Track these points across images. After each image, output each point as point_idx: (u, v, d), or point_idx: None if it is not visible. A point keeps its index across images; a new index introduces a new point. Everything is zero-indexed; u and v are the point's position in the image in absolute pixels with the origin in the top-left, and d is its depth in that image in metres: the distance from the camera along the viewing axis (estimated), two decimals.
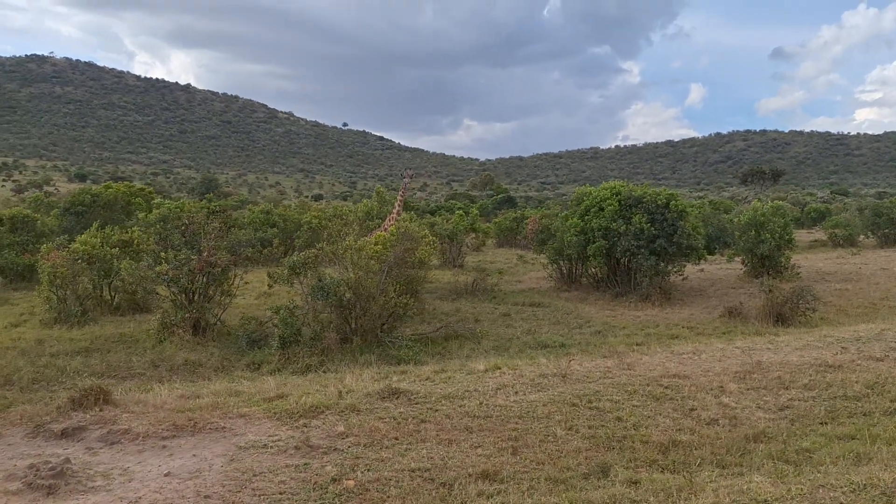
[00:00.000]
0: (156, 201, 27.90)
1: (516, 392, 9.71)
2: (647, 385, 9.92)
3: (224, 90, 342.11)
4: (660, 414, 8.75)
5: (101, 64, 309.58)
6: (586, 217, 21.25)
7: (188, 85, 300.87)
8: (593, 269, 22.42)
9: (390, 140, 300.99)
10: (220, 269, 13.83)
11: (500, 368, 11.23)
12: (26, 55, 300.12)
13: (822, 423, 8.38)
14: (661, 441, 7.79)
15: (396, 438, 7.96)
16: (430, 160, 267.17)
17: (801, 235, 46.10)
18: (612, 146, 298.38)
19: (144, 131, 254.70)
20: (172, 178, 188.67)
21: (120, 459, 7.75)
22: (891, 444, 7.44)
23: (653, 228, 20.02)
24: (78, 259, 15.43)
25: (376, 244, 16.29)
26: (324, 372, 11.89)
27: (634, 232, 19.98)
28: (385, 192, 30.90)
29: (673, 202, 20.34)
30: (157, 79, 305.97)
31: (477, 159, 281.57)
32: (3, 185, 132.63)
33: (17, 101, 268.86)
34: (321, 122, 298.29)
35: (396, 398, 9.28)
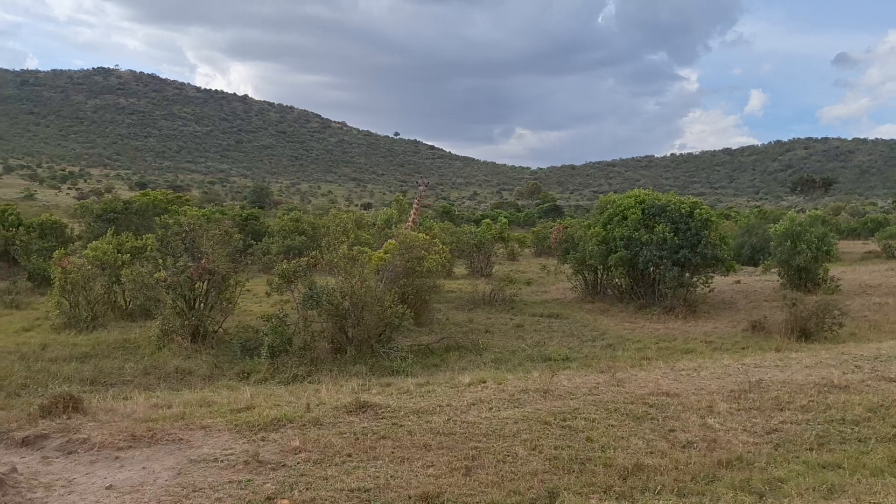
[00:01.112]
0: (183, 209, 28.27)
1: (491, 408, 9.31)
2: (631, 403, 9.42)
3: (280, 101, 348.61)
4: (635, 435, 8.25)
5: (163, 76, 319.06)
6: (609, 226, 20.64)
7: (245, 96, 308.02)
8: (617, 280, 21.76)
9: (441, 149, 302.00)
10: (219, 277, 13.74)
11: (485, 382, 10.85)
12: (93, 68, 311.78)
13: (808, 450, 7.77)
14: (626, 465, 7.30)
15: (349, 455, 7.65)
16: (480, 169, 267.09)
17: (857, 246, 44.27)
18: (668, 154, 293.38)
19: (203, 141, 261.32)
20: (228, 187, 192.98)
21: (70, 470, 7.62)
22: (875, 475, 6.83)
23: (676, 238, 19.31)
24: (88, 265, 15.58)
25: (385, 252, 16.07)
26: (309, 382, 11.69)
27: (657, 242, 19.30)
28: (404, 200, 30.71)
29: (697, 211, 19.56)
30: (215, 90, 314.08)
31: (528, 168, 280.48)
32: (67, 193, 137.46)
33: (84, 113, 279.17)
34: (373, 131, 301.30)
35: (364, 412, 8.98)
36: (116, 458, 7.94)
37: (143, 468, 7.62)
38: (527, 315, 20.35)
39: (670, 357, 14.45)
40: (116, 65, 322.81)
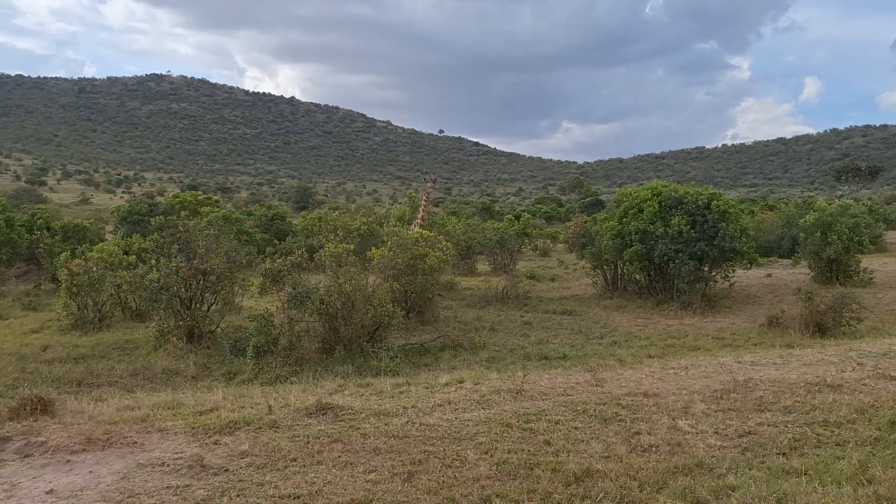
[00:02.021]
0: (204, 209, 28.60)
1: (457, 409, 9.04)
2: (604, 404, 9.03)
3: (327, 101, 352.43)
4: (597, 438, 7.88)
5: (213, 80, 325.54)
6: (624, 219, 20.06)
7: (292, 98, 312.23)
8: (637, 276, 21.16)
9: (486, 145, 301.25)
10: (214, 277, 13.74)
11: (462, 382, 10.59)
12: (146, 74, 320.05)
13: (779, 454, 7.30)
14: (574, 470, 6.95)
15: (294, 460, 7.46)
16: (525, 164, 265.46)
17: None
18: (720, 145, 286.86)
19: (252, 143, 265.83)
20: (276, 188, 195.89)
21: (19, 474, 7.60)
22: (836, 484, 6.34)
23: (693, 231, 18.64)
24: (94, 267, 15.78)
25: (390, 250, 15.90)
26: (291, 383, 11.57)
27: (672, 235, 18.67)
28: (417, 197, 30.44)
29: (715, 202, 18.85)
30: (263, 93, 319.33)
31: (574, 162, 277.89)
32: (121, 197, 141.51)
33: (138, 118, 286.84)
34: (418, 129, 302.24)
35: (324, 414, 8.80)
36: (68, 461, 7.89)
37: (90, 472, 7.55)
38: (539, 312, 19.95)
39: (676, 354, 13.95)
40: (168, 71, 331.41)
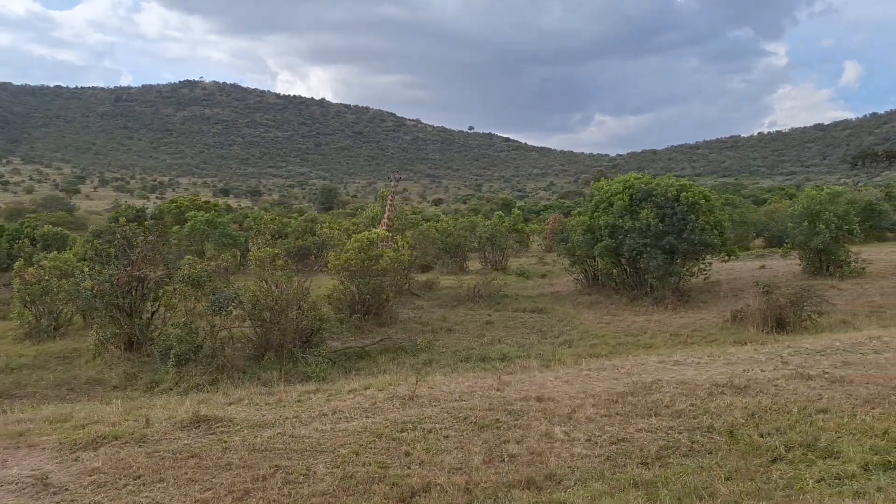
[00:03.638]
0: (189, 214, 28.63)
1: (339, 419, 8.74)
2: (490, 410, 8.66)
3: (358, 102, 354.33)
4: (461, 447, 7.51)
5: (244, 85, 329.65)
6: (595, 214, 19.50)
7: (322, 99, 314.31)
8: (614, 271, 20.59)
9: (517, 141, 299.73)
10: (151, 284, 13.61)
11: (368, 388, 10.27)
12: (180, 81, 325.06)
13: (641, 464, 6.88)
14: (416, 485, 6.61)
15: (139, 477, 7.22)
16: (557, 159, 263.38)
17: None
18: (755, 133, 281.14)
19: (283, 146, 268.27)
20: (308, 189, 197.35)
21: None
22: (680, 500, 5.90)
23: (660, 224, 18.02)
24: (47, 276, 15.79)
25: (347, 251, 15.66)
26: (207, 391, 11.39)
27: (640, 228, 18.07)
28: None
29: (684, 194, 18.18)
30: (294, 95, 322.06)
31: (607, 155, 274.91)
32: (154, 203, 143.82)
33: (172, 125, 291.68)
34: (448, 127, 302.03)
35: (197, 427, 8.56)
36: None
37: None
38: (509, 311, 19.53)
39: (623, 353, 13.47)
40: (201, 77, 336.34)
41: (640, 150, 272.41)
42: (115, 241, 14.25)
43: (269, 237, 14.09)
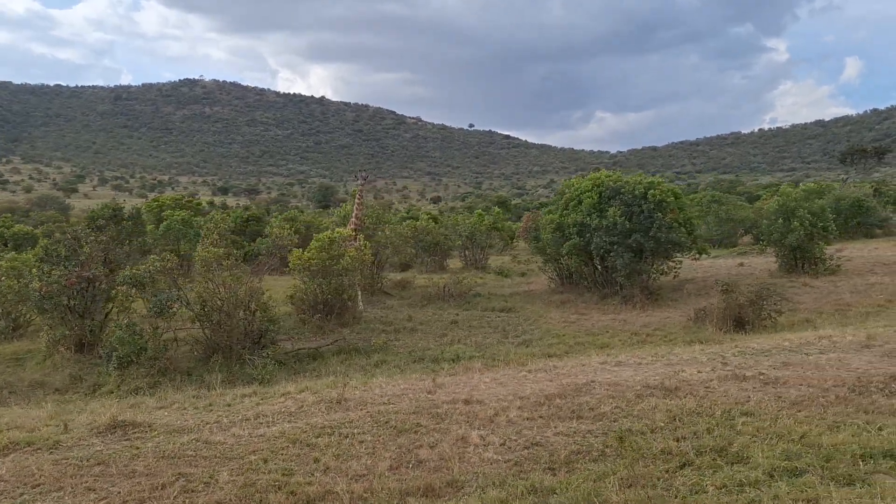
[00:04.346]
0: (166, 213, 28.40)
1: (260, 423, 8.61)
2: (414, 414, 8.52)
3: (358, 100, 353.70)
4: (372, 453, 7.36)
5: (244, 83, 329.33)
6: (565, 212, 19.32)
7: (322, 98, 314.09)
8: (584, 270, 20.41)
9: (517, 138, 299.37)
10: (102, 285, 13.46)
11: (302, 392, 10.17)
12: (179, 80, 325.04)
13: (548, 469, 6.73)
14: (314, 493, 6.46)
15: (38, 486, 7.07)
16: (557, 156, 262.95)
17: None
18: (756, 130, 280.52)
19: (283, 144, 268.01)
20: (307, 187, 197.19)
21: None
22: None
23: (627, 222, 17.83)
24: (2, 276, 15.65)
25: (309, 250, 15.52)
26: (145, 395, 11.25)
27: (607, 226, 17.89)
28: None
29: (651, 192, 17.98)
30: (294, 94, 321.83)
31: (607, 152, 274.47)
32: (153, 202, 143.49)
33: (172, 123, 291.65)
34: (448, 124, 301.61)
35: (114, 433, 8.43)
36: None
37: None
38: (478, 310, 19.37)
39: (582, 352, 13.33)
40: (201, 75, 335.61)
41: (640, 147, 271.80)
42: (65, 242, 14.09)
43: (218, 237, 13.92)
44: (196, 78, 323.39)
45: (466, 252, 29.32)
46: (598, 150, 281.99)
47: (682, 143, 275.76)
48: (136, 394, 11.40)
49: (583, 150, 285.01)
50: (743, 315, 14.21)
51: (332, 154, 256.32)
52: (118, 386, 11.67)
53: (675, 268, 19.59)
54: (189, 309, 12.59)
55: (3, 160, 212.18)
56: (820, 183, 42.73)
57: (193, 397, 10.33)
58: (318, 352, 13.98)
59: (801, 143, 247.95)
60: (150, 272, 12.92)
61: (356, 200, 20.99)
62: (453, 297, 20.45)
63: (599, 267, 19.45)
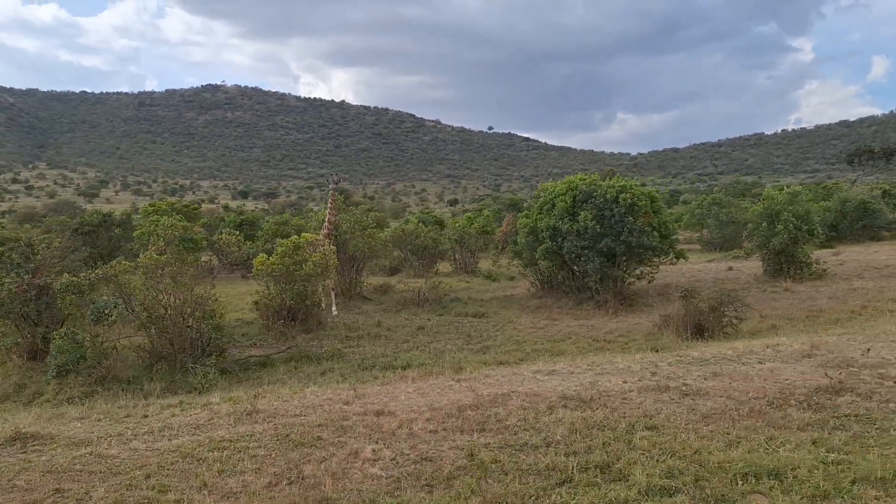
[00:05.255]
0: (149, 219, 28.48)
1: (162, 436, 8.49)
2: (320, 426, 8.34)
3: (379, 103, 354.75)
4: (258, 469, 7.17)
5: (265, 88, 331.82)
6: (539, 216, 19.06)
7: (342, 101, 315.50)
8: (560, 274, 20.11)
9: (536, 140, 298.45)
10: (53, 292, 13.45)
11: (227, 402, 10.01)
12: (202, 85, 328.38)
13: (425, 486, 6.53)
14: None
15: None
16: (577, 158, 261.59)
17: None
18: (779, 130, 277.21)
19: (304, 148, 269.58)
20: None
21: None
22: None
23: (598, 226, 17.52)
24: None
25: (274, 256, 15.42)
26: (75, 405, 11.19)
27: (578, 231, 17.59)
28: (340, 198, 29.75)
29: (622, 195, 17.65)
30: (314, 98, 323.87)
31: (628, 154, 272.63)
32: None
33: (195, 128, 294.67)
34: (467, 127, 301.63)
35: (13, 445, 8.35)
36: None
37: None
38: (451, 315, 19.17)
39: (536, 359, 13.10)
40: (223, 81, 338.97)
41: (661, 149, 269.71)
42: (18, 248, 14.12)
43: (164, 244, 13.84)
44: (218, 84, 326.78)
45: (456, 256, 29.12)
46: (619, 152, 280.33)
47: (703, 144, 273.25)
48: (70, 403, 11.33)
49: (603, 152, 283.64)
50: (703, 322, 13.85)
51: (352, 157, 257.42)
52: (55, 395, 11.63)
53: (651, 273, 19.22)
54: (136, 317, 12.52)
55: (30, 166, 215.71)
56: (826, 185, 41.92)
57: (119, 407, 10.23)
58: (268, 359, 13.86)
59: (825, 144, 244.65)
60: (89, 279, 12.88)
61: (329, 205, 20.90)
62: (429, 301, 20.26)
63: (573, 272, 19.13)
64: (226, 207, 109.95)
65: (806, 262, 20.73)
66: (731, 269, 24.68)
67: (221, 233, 21.97)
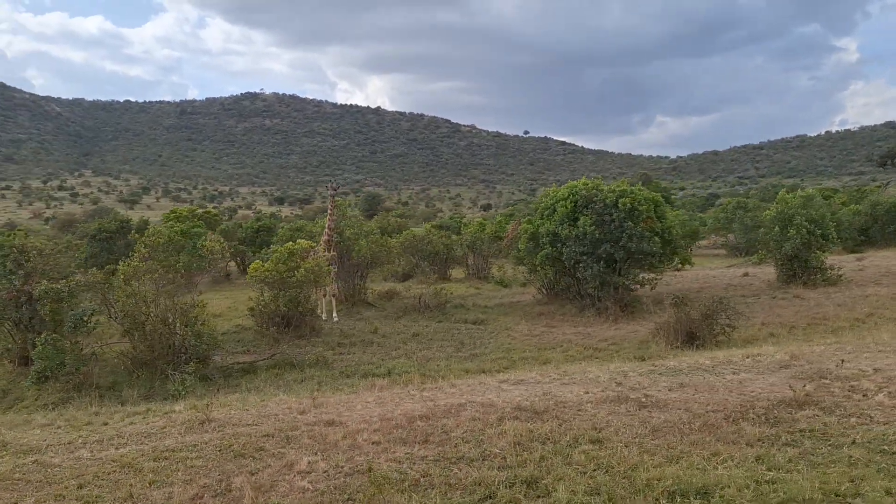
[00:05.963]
0: (167, 224, 28.84)
1: (111, 445, 8.48)
2: (267, 436, 8.24)
3: (415, 109, 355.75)
4: (189, 481, 7.07)
5: (303, 96, 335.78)
6: (539, 221, 18.78)
7: (378, 108, 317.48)
8: (562, 281, 19.77)
9: (573, 144, 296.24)
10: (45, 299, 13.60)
11: (191, 410, 9.97)
12: (241, 94, 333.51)
13: (348, 501, 6.32)
14: None
15: None
16: (615, 162, 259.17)
17: None
18: (822, 132, 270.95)
19: (340, 154, 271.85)
20: (361, 196, 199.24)
21: None
22: None
23: (597, 232, 17.17)
24: None
25: (269, 262, 15.45)
26: (53, 410, 11.26)
27: (577, 236, 17.27)
28: (344, 204, 29.68)
29: (622, 200, 17.27)
30: (350, 104, 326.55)
31: (667, 157, 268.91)
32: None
33: (234, 136, 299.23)
34: (502, 131, 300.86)
35: None
36: None
37: None
38: (450, 321, 18.98)
39: (521, 368, 12.90)
40: (261, 89, 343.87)
41: (701, 152, 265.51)
42: (11, 255, 14.34)
43: (147, 252, 13.88)
44: (257, 92, 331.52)
45: (469, 261, 28.93)
46: (658, 156, 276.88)
47: (744, 146, 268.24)
48: (45, 409, 11.42)
49: (641, 156, 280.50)
50: (695, 330, 13.45)
51: (387, 163, 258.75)
52: (34, 401, 11.75)
53: (655, 279, 18.77)
54: (119, 324, 12.60)
55: (76, 174, 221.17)
56: (862, 188, 40.65)
57: (92, 414, 10.28)
58: (252, 366, 13.84)
59: (870, 146, 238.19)
60: (69, 287, 13.00)
61: (328, 212, 20.84)
62: (430, 308, 20.09)
63: (580, 277, 18.78)
64: (271, 213, 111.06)
65: (820, 268, 20.06)
66: (746, 274, 24.05)
67: (205, 240, 22.07)
